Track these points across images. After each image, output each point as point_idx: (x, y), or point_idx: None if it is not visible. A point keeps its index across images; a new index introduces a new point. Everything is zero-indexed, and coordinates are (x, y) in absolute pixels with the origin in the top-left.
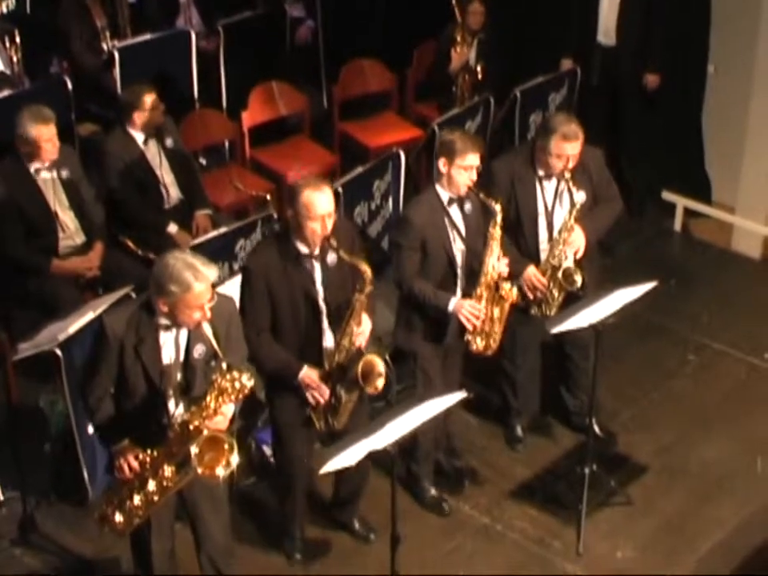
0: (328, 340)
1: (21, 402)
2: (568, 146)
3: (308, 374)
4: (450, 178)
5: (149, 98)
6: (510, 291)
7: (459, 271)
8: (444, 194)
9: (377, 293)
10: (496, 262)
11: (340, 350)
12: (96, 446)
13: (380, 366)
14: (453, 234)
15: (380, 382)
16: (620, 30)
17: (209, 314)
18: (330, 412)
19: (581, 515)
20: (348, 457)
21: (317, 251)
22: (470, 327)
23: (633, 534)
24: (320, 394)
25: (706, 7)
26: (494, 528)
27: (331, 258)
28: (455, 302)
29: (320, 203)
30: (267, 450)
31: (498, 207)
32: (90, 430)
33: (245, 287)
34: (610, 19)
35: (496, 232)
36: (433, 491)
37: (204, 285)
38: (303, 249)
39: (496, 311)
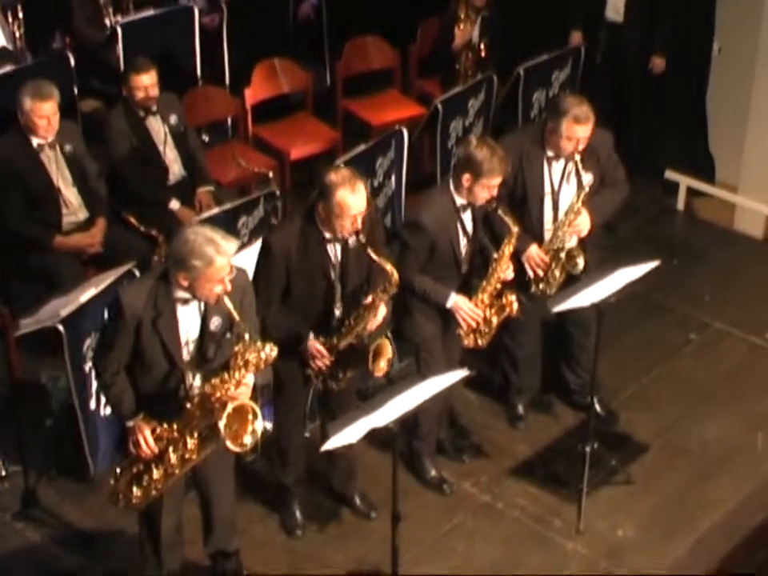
0: (336, 316)
1: (23, 377)
2: (579, 129)
3: (314, 343)
4: (470, 192)
5: (135, 77)
6: (511, 304)
7: (463, 266)
8: (458, 199)
9: None
10: (503, 274)
11: (352, 334)
12: (98, 422)
13: (390, 350)
14: (461, 235)
15: (384, 365)
16: (628, 7)
17: (229, 287)
18: (330, 377)
19: (581, 493)
20: (350, 434)
21: (340, 237)
22: (464, 327)
23: (633, 513)
24: (324, 363)
25: None
26: (494, 506)
27: (352, 240)
28: (454, 299)
29: (353, 204)
30: (267, 425)
31: (515, 228)
32: (92, 405)
33: (262, 261)
34: None
35: (508, 249)
36: (434, 471)
37: (225, 258)
38: (327, 234)
39: (494, 318)
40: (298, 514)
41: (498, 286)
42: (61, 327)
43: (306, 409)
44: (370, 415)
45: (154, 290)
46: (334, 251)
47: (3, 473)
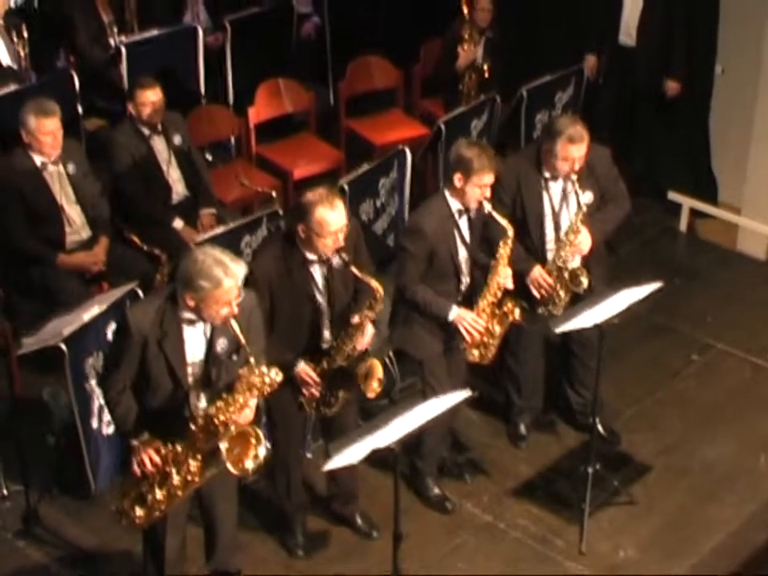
0: (326, 339)
1: (24, 394)
2: (573, 149)
3: (304, 368)
4: (463, 193)
5: (141, 93)
6: (512, 310)
7: (463, 278)
8: (454, 204)
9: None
10: (502, 280)
11: (341, 355)
12: (99, 440)
13: (380, 371)
14: (460, 243)
15: (376, 385)
16: (641, 32)
17: (236, 310)
18: (322, 403)
19: (583, 514)
20: (352, 454)
21: (323, 257)
22: (468, 339)
23: (635, 534)
24: (315, 388)
25: (714, 7)
26: (496, 526)
27: (336, 261)
28: (456, 312)
29: (333, 221)
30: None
31: (510, 230)
32: (94, 423)
33: (247, 286)
34: (632, 19)
35: (505, 252)
36: (436, 489)
37: (233, 281)
38: (310, 256)
39: (497, 328)
40: (299, 533)
41: (499, 294)
42: (63, 346)
43: (308, 434)
44: (372, 435)
45: (161, 309)
46: (319, 273)
47: (5, 491)
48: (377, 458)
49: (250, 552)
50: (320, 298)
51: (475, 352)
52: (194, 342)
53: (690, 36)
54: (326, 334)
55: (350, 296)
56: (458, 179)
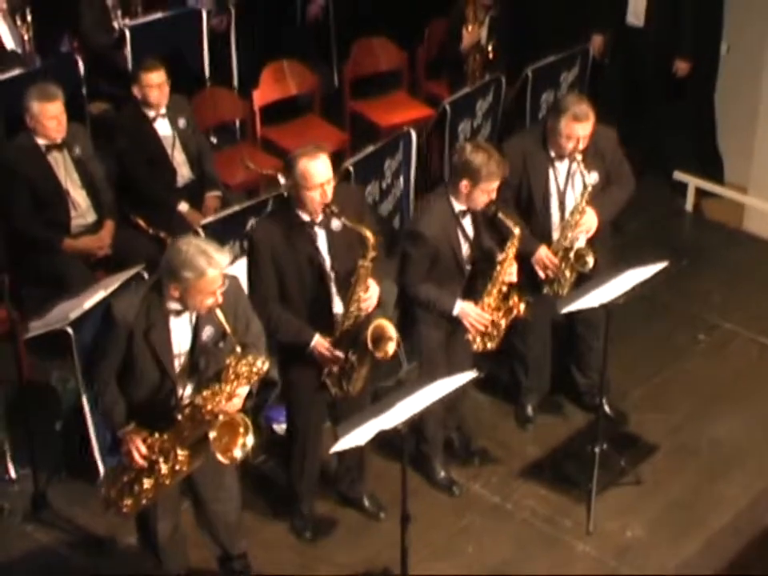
0: (337, 307)
1: (32, 379)
2: (578, 127)
3: (320, 341)
4: (469, 198)
5: (146, 76)
6: (518, 304)
7: (467, 273)
8: (457, 206)
9: (386, 270)
10: (507, 278)
11: (348, 317)
12: (107, 423)
13: (390, 330)
14: (463, 240)
15: (390, 347)
16: (649, 12)
17: (220, 300)
18: (344, 378)
19: (591, 494)
20: (358, 436)
21: (319, 219)
22: (472, 332)
23: (643, 513)
24: (333, 360)
25: None
26: (504, 507)
27: (335, 224)
28: (460, 306)
29: (317, 171)
30: (277, 428)
31: (517, 230)
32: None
33: (251, 259)
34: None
35: (512, 251)
36: (443, 472)
37: (217, 271)
38: (305, 217)
39: (501, 321)
40: (307, 514)
41: (504, 288)
42: (70, 329)
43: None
44: (379, 417)
45: (146, 300)
46: (320, 236)
47: (13, 475)
48: (384, 440)
49: (258, 534)
50: (323, 263)
51: (480, 342)
52: (180, 332)
53: (698, 16)
54: (337, 301)
55: (356, 262)
56: (464, 186)
